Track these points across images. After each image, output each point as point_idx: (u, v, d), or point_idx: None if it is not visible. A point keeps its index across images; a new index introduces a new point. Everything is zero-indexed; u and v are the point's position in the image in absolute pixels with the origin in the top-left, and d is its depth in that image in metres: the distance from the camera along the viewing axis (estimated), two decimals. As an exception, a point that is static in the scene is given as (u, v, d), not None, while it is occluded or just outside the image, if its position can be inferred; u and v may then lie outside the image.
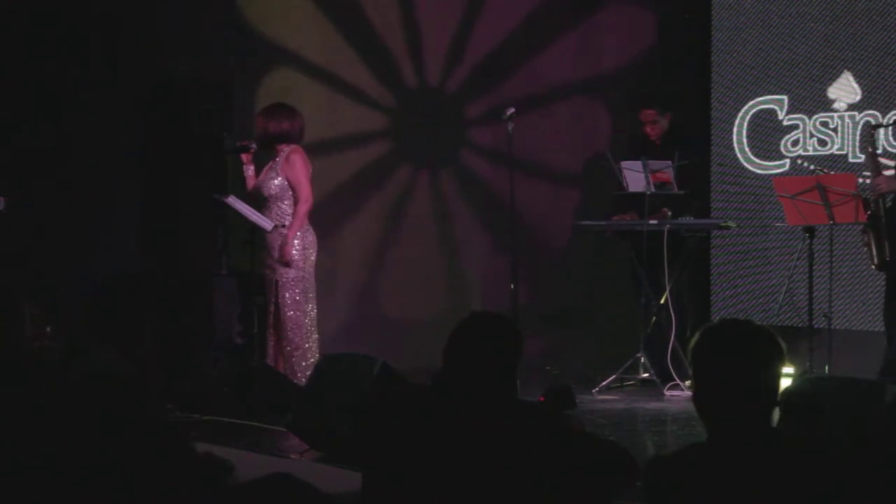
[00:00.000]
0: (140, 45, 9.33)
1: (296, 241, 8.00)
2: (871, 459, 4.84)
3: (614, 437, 6.27)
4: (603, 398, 8.36)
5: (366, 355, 7.23)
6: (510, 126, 8.36)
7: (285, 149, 8.10)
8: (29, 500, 2.36)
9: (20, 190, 8.56)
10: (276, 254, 8.01)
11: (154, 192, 9.20)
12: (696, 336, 3.04)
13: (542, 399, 3.89)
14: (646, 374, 8.67)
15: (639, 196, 8.65)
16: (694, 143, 9.13)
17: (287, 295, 7.99)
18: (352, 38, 10.13)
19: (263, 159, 8.26)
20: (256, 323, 8.24)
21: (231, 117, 9.20)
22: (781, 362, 3.04)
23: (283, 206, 8.06)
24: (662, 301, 8.60)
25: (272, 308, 8.04)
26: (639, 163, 8.57)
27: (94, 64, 9.14)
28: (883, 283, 7.95)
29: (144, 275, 8.73)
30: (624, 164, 8.66)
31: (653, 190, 8.56)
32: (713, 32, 9.93)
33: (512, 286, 8.29)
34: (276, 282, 8.00)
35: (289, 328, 8.00)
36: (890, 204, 7.84)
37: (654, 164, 8.55)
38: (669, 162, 8.54)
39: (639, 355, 8.66)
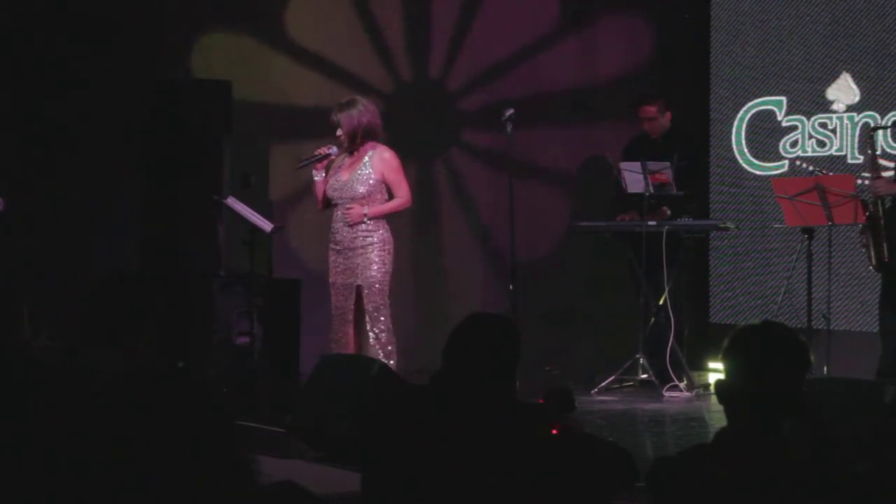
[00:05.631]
0: (140, 45, 9.33)
1: (377, 236, 7.54)
2: (871, 460, 4.84)
3: (613, 437, 6.27)
4: (602, 399, 8.37)
5: (365, 356, 7.23)
6: (509, 127, 8.32)
7: (375, 147, 7.58)
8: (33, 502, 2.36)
9: (20, 191, 8.56)
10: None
11: (154, 193, 9.19)
12: (735, 332, 3.07)
13: (541, 402, 3.89)
14: (644, 375, 8.68)
15: (638, 197, 8.65)
16: (693, 143, 9.13)
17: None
18: (350, 34, 10.13)
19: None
20: (254, 324, 8.21)
21: (231, 117, 9.19)
22: (807, 374, 3.09)
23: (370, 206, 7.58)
24: (661, 302, 8.60)
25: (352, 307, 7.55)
26: (638, 164, 8.55)
27: (94, 64, 9.15)
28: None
29: (144, 275, 8.73)
30: (623, 165, 8.65)
31: (652, 191, 8.56)
32: (712, 33, 9.94)
33: (511, 287, 8.28)
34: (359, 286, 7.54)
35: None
36: (889, 206, 7.86)
37: (653, 165, 8.54)
38: (668, 163, 8.53)
39: (638, 356, 8.66)
